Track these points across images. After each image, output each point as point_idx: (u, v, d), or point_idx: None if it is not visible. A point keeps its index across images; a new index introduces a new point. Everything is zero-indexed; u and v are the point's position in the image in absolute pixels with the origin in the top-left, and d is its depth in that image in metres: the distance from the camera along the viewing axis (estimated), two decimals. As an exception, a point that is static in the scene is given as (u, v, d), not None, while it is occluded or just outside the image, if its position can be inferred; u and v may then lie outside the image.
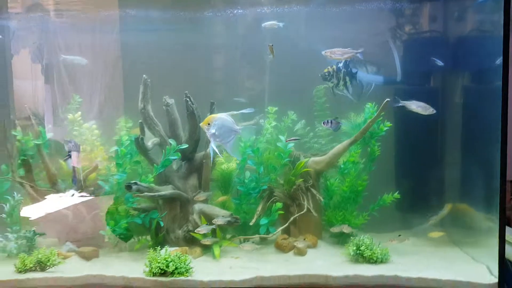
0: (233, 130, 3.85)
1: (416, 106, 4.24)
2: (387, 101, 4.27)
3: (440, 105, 4.52)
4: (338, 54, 4.19)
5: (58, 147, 4.76)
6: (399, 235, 4.40)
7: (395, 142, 4.81)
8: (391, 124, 4.47)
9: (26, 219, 4.55)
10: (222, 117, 3.86)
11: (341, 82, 4.30)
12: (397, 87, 4.76)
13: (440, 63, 4.47)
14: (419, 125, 4.59)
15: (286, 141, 4.49)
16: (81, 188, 4.58)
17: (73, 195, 4.57)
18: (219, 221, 4.23)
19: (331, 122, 4.29)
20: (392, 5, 4.72)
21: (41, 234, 4.53)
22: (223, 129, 3.84)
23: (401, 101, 4.25)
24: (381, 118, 4.42)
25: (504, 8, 3.55)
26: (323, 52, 4.24)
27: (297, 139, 4.55)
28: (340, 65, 4.28)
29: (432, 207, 4.64)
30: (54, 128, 4.87)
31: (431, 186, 4.78)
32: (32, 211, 4.56)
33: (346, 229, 4.33)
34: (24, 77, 5.04)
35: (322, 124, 4.37)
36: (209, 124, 3.83)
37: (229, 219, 4.27)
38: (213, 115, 3.89)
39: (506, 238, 3.77)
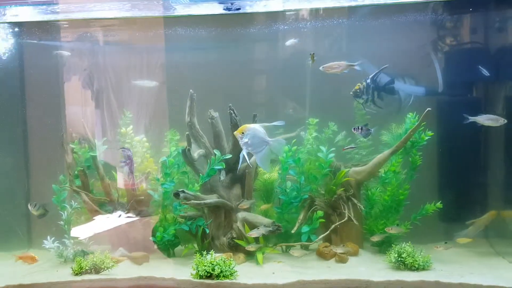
0: (264, 141, 3.99)
1: (487, 120, 4.27)
2: (428, 110, 4.33)
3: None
4: (335, 68, 4.28)
5: (108, 167, 5.06)
6: (445, 242, 4.40)
7: (437, 151, 4.84)
8: (432, 133, 4.51)
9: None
10: (255, 128, 4.01)
11: (370, 98, 4.38)
12: (439, 98, 4.80)
13: (485, 72, 4.49)
14: (462, 135, 4.61)
15: (344, 150, 4.64)
16: (131, 200, 4.86)
17: (120, 216, 4.86)
18: (260, 230, 4.36)
19: (361, 129, 4.37)
20: (434, 17, 4.82)
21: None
22: (255, 139, 3.97)
23: (470, 117, 4.28)
24: (423, 127, 4.48)
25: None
26: (321, 68, 4.35)
27: (354, 147, 4.66)
28: (368, 80, 4.36)
29: (474, 216, 4.62)
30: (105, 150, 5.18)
31: (474, 195, 4.76)
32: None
33: (394, 230, 4.39)
34: (76, 103, 5.36)
35: (353, 130, 4.44)
36: (242, 133, 4.00)
37: (271, 228, 4.40)
38: (246, 125, 4.05)
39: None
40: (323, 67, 4.35)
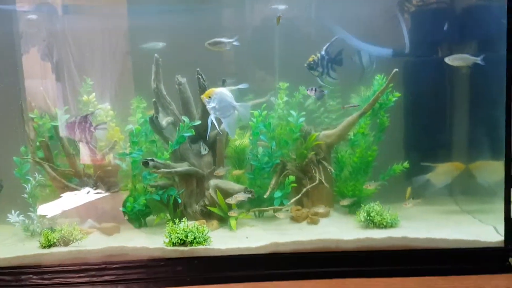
0: (232, 105, 3.95)
1: (456, 60, 4.32)
2: (396, 71, 4.37)
3: (447, 75, 4.61)
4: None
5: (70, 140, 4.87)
6: (413, 198, 4.52)
7: (404, 112, 4.91)
8: (400, 94, 4.58)
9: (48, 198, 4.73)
10: (222, 91, 3.97)
11: (325, 70, 4.30)
12: (406, 59, 4.84)
13: (445, 28, 4.53)
14: (428, 95, 4.69)
15: (343, 108, 4.61)
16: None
17: (88, 192, 4.72)
18: (239, 196, 4.36)
19: (315, 90, 4.36)
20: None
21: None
22: (223, 103, 3.94)
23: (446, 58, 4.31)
24: (390, 89, 4.52)
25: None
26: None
27: (356, 106, 4.61)
28: (323, 52, 4.27)
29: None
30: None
31: (440, 154, 4.88)
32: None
33: (372, 185, 4.51)
34: (35, 76, 5.10)
35: (306, 91, 4.41)
36: (209, 97, 3.94)
37: (250, 195, 4.40)
38: (213, 89, 3.99)
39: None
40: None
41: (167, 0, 5.12)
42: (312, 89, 4.34)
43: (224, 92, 3.97)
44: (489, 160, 4.41)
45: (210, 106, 3.94)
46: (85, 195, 4.72)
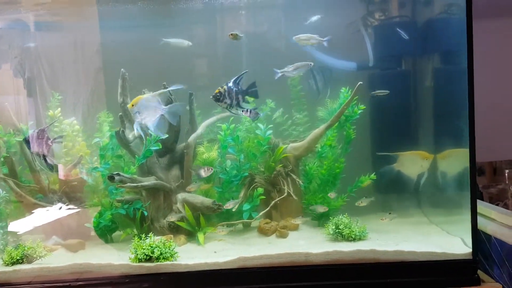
0: (158, 109, 4.01)
1: (295, 69, 4.44)
2: (360, 84, 4.42)
3: (412, 87, 4.69)
4: (304, 40, 4.30)
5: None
6: (389, 213, 4.53)
7: (370, 124, 4.96)
8: (364, 107, 4.62)
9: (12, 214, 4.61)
10: (146, 98, 4.05)
11: (234, 102, 4.23)
12: (370, 72, 4.92)
13: (404, 36, 4.60)
14: (393, 108, 4.76)
15: (371, 95, 4.57)
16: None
17: (60, 208, 4.63)
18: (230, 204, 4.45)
19: (250, 112, 4.36)
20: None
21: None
22: (148, 109, 4.01)
23: (279, 71, 4.43)
24: (355, 101, 4.57)
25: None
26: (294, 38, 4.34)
27: (385, 93, 4.56)
28: (230, 84, 4.22)
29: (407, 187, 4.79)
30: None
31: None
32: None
33: (299, 220, 4.56)
34: (6, 92, 5.06)
35: (242, 112, 4.40)
36: (133, 105, 4.03)
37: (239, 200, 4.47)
38: (139, 96, 4.08)
39: (479, 210, 3.94)
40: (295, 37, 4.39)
41: (136, 15, 5.07)
42: (246, 110, 4.33)
43: (149, 98, 4.06)
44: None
45: (133, 114, 4.05)
46: (50, 211, 4.62)
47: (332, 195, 4.55)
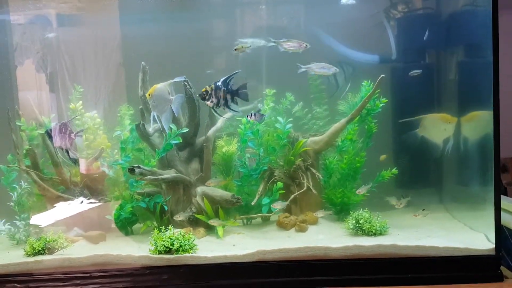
0: (167, 99, 3.97)
1: (318, 68, 4.37)
2: (382, 77, 4.36)
3: (436, 80, 4.60)
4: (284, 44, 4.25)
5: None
6: (423, 209, 4.47)
7: (392, 118, 4.89)
8: (386, 100, 4.55)
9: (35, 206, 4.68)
10: (160, 87, 4.01)
11: (222, 101, 4.15)
12: (393, 65, 4.84)
13: (426, 36, 4.52)
14: (416, 101, 4.68)
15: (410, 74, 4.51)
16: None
17: (82, 202, 4.68)
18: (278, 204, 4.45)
19: (255, 115, 4.35)
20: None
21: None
22: (160, 99, 3.98)
23: (303, 66, 4.38)
24: (377, 95, 4.50)
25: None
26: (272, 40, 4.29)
27: (419, 72, 4.50)
28: (219, 83, 4.14)
29: (430, 182, 4.72)
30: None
31: (428, 161, 4.85)
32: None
33: (321, 213, 4.53)
34: (28, 87, 5.12)
35: (247, 117, 4.44)
36: (149, 95, 3.99)
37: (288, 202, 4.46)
38: (154, 86, 4.04)
39: (503, 206, 3.86)
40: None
41: (157, 8, 5.08)
42: (252, 114, 4.35)
43: (161, 87, 4.01)
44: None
45: (150, 104, 4.03)
46: (72, 204, 4.68)
47: (361, 190, 4.49)
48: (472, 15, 4.33)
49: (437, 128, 4.43)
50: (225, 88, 4.13)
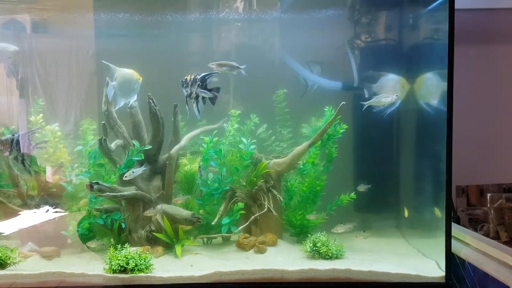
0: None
1: (382, 99, 4.45)
2: (343, 104, 4.47)
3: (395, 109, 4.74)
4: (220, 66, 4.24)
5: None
6: (364, 231, 4.56)
7: (353, 144, 5.01)
8: (346, 127, 4.66)
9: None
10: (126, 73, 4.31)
11: (193, 95, 4.17)
12: (354, 93, 4.96)
13: (351, 56, 4.71)
14: (376, 128, 4.81)
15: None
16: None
17: (47, 211, 4.59)
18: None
19: (200, 169, 4.60)
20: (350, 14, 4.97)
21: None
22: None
23: (365, 103, 4.43)
24: (338, 121, 4.60)
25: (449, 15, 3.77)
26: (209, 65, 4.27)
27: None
28: (198, 77, 4.15)
29: (387, 205, 4.83)
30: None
31: (386, 186, 4.97)
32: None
33: (341, 229, 4.52)
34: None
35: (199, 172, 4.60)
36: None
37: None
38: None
39: (453, 234, 3.98)
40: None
41: (132, 25, 5.08)
42: (199, 167, 4.63)
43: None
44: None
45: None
46: (27, 217, 4.57)
47: (311, 216, 4.57)
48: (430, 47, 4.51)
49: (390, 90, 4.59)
50: (200, 83, 4.13)
